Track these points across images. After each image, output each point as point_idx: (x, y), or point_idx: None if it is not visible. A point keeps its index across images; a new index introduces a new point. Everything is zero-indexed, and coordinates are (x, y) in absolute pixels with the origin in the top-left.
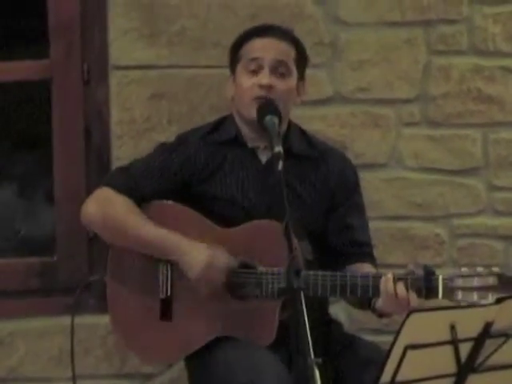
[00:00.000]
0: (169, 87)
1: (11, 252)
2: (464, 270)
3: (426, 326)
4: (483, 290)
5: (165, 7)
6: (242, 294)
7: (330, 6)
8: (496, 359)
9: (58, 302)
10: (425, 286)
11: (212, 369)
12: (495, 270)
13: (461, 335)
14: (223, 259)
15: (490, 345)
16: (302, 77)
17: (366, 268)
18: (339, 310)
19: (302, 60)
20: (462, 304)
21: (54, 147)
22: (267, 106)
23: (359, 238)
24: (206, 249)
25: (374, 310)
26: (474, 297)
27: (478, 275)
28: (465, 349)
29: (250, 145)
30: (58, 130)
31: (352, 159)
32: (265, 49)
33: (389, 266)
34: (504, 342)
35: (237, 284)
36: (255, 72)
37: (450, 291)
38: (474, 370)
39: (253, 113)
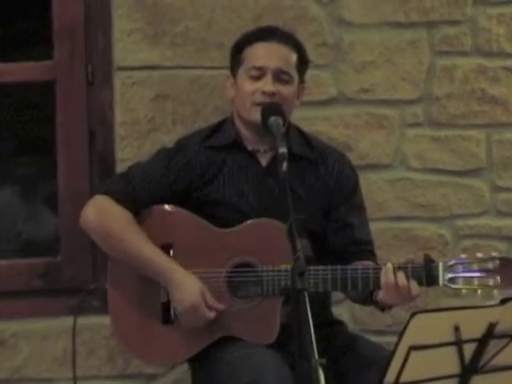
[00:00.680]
0: (173, 88)
1: (15, 253)
2: (464, 256)
3: (429, 326)
4: (483, 275)
5: (168, 8)
6: (244, 294)
7: (333, 7)
8: (500, 360)
9: (61, 303)
10: (425, 274)
11: (215, 369)
12: (494, 254)
13: (465, 336)
14: (211, 303)
15: (493, 346)
16: (302, 79)
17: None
18: (343, 311)
19: (302, 64)
20: (463, 291)
21: (58, 148)
22: (271, 108)
23: (360, 237)
24: (198, 288)
25: (375, 303)
26: (475, 282)
27: (478, 260)
28: (469, 350)
29: (249, 148)
30: (62, 132)
31: (356, 160)
32: (268, 56)
33: None
34: (508, 343)
35: (238, 283)
36: (258, 78)
37: (450, 278)
38: (478, 371)
39: (254, 117)
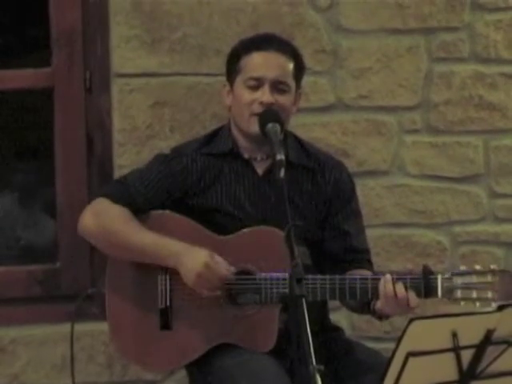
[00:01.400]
0: (171, 95)
1: (13, 260)
2: (462, 268)
3: (427, 333)
4: (482, 287)
5: (166, 15)
6: (242, 301)
7: (331, 13)
8: (498, 366)
9: (60, 310)
10: (424, 285)
11: (213, 376)
12: (493, 267)
13: (462, 342)
14: (221, 260)
15: (491, 352)
16: (298, 86)
17: (364, 273)
18: (341, 318)
19: (299, 71)
20: (462, 303)
21: (56, 155)
22: (269, 114)
23: (356, 245)
24: (203, 250)
25: (373, 313)
26: (474, 294)
27: (477, 273)
28: (466, 356)
29: (246, 156)
30: (60, 138)
31: (354, 166)
32: (265, 66)
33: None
34: (505, 350)
35: (236, 291)
36: (255, 88)
37: (449, 290)
38: (476, 377)
39: (252, 128)
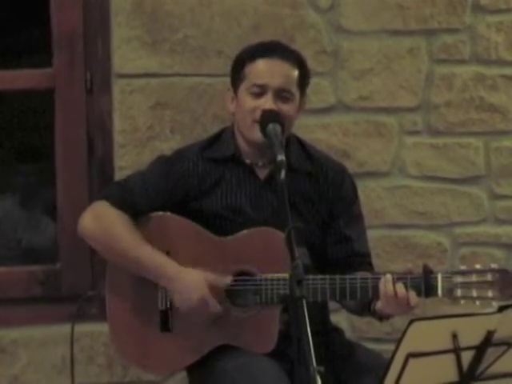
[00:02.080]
0: (171, 96)
1: (14, 260)
2: (463, 267)
3: (427, 334)
4: (482, 286)
5: (168, 16)
6: (242, 302)
7: (332, 15)
8: (498, 368)
9: (60, 311)
10: (424, 284)
11: (213, 378)
12: (493, 266)
13: (463, 344)
14: (217, 281)
15: (491, 353)
16: (304, 93)
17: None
18: (341, 319)
19: (304, 80)
20: (462, 301)
21: (57, 156)
22: (270, 115)
23: (358, 249)
24: (198, 282)
25: (374, 313)
26: (474, 293)
27: (477, 272)
28: (466, 357)
29: (248, 161)
30: (61, 139)
31: (354, 168)
32: (269, 74)
33: None
34: (506, 351)
35: (236, 292)
36: (259, 95)
37: (449, 289)
38: (476, 379)
39: (254, 135)
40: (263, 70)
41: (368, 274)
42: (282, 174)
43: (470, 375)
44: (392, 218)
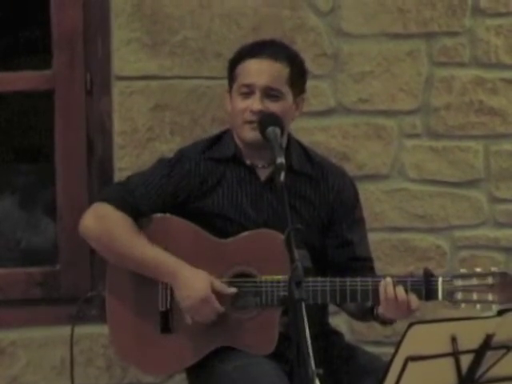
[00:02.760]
0: (171, 98)
1: (13, 262)
2: (463, 270)
3: (426, 337)
4: (483, 290)
5: (167, 18)
6: (242, 304)
7: (332, 18)
8: (497, 371)
9: (59, 312)
10: (425, 287)
11: (213, 379)
12: (494, 269)
13: (462, 347)
14: (220, 286)
15: (490, 357)
16: (300, 92)
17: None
18: (340, 322)
19: (298, 78)
20: (462, 305)
21: (57, 157)
22: (269, 118)
23: (360, 254)
24: (202, 280)
25: (376, 318)
26: (474, 297)
27: (477, 275)
28: (466, 360)
29: (248, 162)
30: (61, 141)
31: (354, 170)
32: (257, 73)
33: None
34: (505, 354)
35: (236, 294)
36: (247, 95)
37: (449, 292)
38: (475, 382)
39: (246, 135)
40: (250, 69)
41: (368, 277)
42: (282, 177)
43: (469, 379)
44: (391, 220)
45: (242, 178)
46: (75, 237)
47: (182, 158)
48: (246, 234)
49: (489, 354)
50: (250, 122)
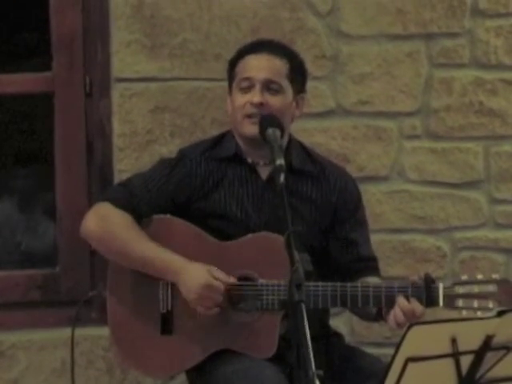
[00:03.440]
0: (171, 100)
1: (13, 264)
2: (464, 277)
3: (426, 338)
4: (484, 297)
5: (167, 20)
6: (243, 307)
7: (332, 19)
8: (497, 372)
9: (59, 314)
10: (426, 294)
11: (213, 382)
12: (495, 276)
13: (462, 348)
14: (221, 277)
15: (490, 357)
16: (300, 90)
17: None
18: (340, 323)
19: (297, 74)
20: (463, 312)
21: (56, 160)
22: (269, 119)
23: (364, 254)
24: (204, 268)
25: (385, 320)
26: (475, 304)
27: (478, 282)
28: (466, 361)
29: (250, 161)
30: (60, 143)
31: (354, 172)
32: (257, 67)
33: (390, 279)
34: (505, 355)
35: (237, 297)
36: (247, 90)
37: (450, 299)
38: (475, 383)
39: (247, 130)
40: (250, 64)
41: (370, 282)
42: (282, 178)
43: (469, 380)
44: (391, 222)
45: (244, 176)
46: (75, 239)
47: (182, 158)
48: (247, 237)
49: (489, 354)
50: (250, 116)
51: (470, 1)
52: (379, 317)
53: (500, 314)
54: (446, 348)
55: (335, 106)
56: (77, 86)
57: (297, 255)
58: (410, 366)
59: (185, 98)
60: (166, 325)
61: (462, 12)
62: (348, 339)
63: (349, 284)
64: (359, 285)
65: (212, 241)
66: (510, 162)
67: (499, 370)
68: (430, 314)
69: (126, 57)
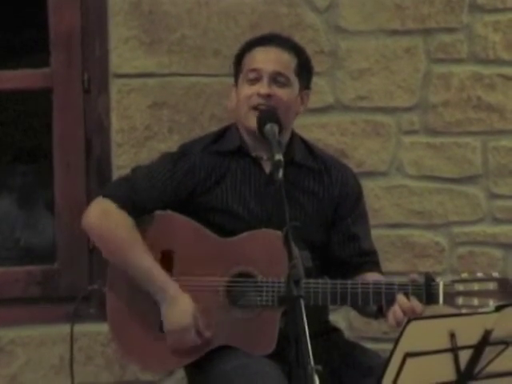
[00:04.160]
0: (169, 96)
1: (12, 260)
2: (464, 275)
3: (425, 333)
4: (483, 295)
5: (165, 16)
6: (242, 303)
7: (330, 15)
8: (495, 367)
9: (58, 310)
10: (425, 292)
11: (212, 378)
12: (495, 274)
13: (460, 343)
14: (201, 329)
15: (489, 352)
16: (306, 86)
17: (375, 277)
18: (339, 318)
19: (304, 70)
20: (463, 310)
21: (55, 156)
22: (267, 115)
23: (365, 248)
24: (191, 308)
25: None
26: (475, 302)
27: (478, 280)
28: (464, 356)
29: (253, 154)
30: (59, 139)
31: (352, 167)
32: (265, 59)
33: (389, 274)
34: (503, 350)
35: (237, 293)
36: (255, 81)
37: (450, 297)
38: (474, 378)
39: (252, 122)
40: (259, 56)
41: (370, 280)
42: (280, 174)
43: (468, 374)
44: (390, 217)
45: (247, 169)
46: (74, 235)
47: (185, 152)
48: (248, 233)
49: (487, 349)
50: (256, 108)
51: None
52: (380, 314)
53: (498, 308)
54: (445, 343)
55: (334, 101)
56: (75, 82)
57: (296, 251)
58: (409, 361)
59: (183, 93)
60: None
61: (460, 7)
62: (347, 334)
63: (349, 281)
64: (359, 282)
65: (213, 237)
66: (508, 156)
67: (498, 365)
68: (430, 311)
69: (124, 53)
